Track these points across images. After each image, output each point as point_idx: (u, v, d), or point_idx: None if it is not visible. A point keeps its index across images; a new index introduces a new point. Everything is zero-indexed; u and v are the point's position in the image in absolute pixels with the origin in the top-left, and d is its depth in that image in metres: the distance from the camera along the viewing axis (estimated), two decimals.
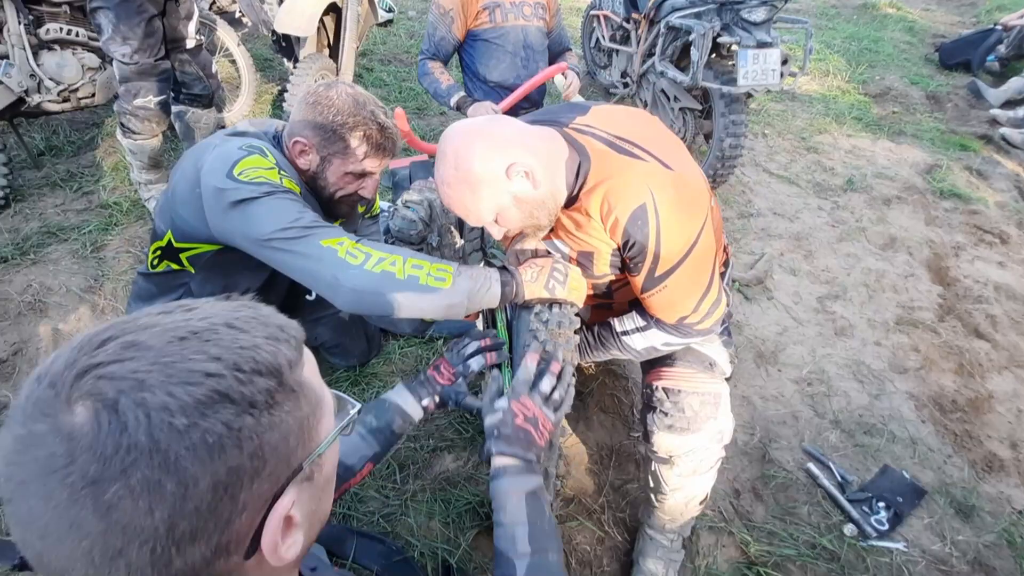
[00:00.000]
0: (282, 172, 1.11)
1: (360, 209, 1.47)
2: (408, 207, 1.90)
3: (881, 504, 1.52)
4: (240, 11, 2.80)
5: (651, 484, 1.31)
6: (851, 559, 1.43)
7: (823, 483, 1.58)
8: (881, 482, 1.59)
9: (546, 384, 0.92)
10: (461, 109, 2.26)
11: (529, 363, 0.95)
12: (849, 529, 1.48)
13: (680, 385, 1.16)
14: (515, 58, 2.31)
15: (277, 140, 1.26)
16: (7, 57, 2.42)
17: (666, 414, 1.17)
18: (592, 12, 3.44)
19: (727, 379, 1.22)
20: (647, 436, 1.25)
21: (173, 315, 0.39)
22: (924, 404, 1.88)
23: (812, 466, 1.62)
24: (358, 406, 0.48)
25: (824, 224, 2.71)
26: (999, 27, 4.74)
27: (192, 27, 2.29)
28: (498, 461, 0.81)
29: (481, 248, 2.13)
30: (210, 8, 3.56)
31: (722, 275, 1.24)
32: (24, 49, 2.43)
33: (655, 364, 1.23)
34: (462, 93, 2.26)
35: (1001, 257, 2.61)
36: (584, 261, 1.15)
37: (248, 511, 0.37)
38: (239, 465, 0.36)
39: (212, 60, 2.46)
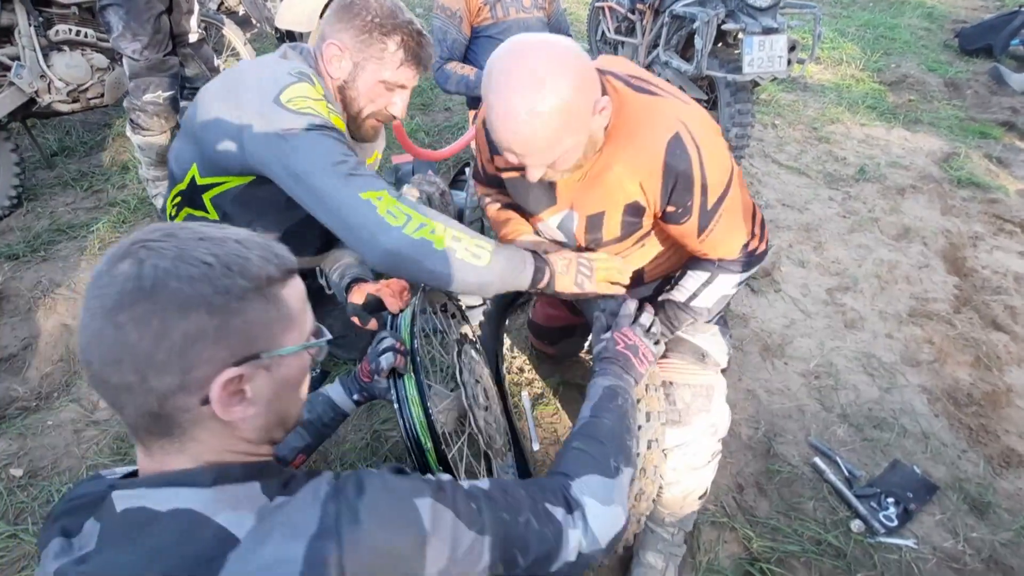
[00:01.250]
0: (330, 106, 1.05)
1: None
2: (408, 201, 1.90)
3: (890, 500, 1.47)
4: (244, 10, 2.83)
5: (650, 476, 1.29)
6: (858, 556, 1.39)
7: (829, 478, 1.54)
8: (890, 477, 1.54)
9: (645, 318, 1.05)
10: None
11: (629, 303, 1.05)
12: (856, 525, 1.44)
13: (671, 377, 1.13)
14: None
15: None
16: (18, 58, 2.47)
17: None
18: (597, 4, 3.40)
19: (723, 370, 1.19)
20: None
21: (209, 227, 0.54)
22: (937, 398, 1.82)
23: (818, 460, 1.58)
24: (328, 337, 0.61)
25: (835, 215, 2.64)
26: None
27: (194, 21, 2.32)
28: (598, 379, 0.92)
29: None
30: (218, 9, 3.60)
31: (762, 219, 1.21)
32: (35, 50, 2.48)
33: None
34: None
35: (1022, 247, 2.52)
36: (592, 225, 1.10)
37: (207, 365, 0.50)
38: (204, 327, 0.49)
39: (214, 54, 2.48)
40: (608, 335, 1.00)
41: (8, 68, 2.45)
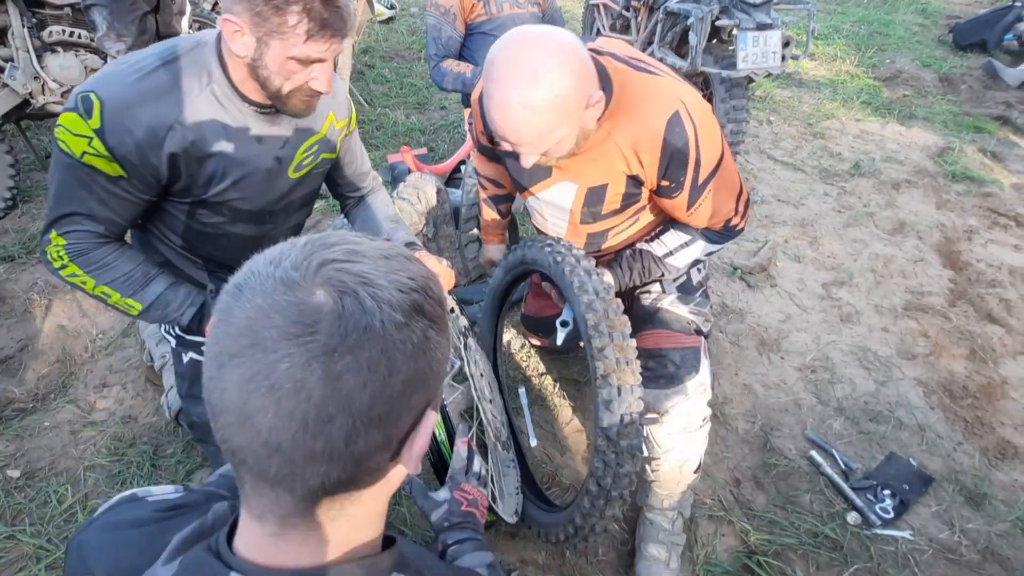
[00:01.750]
0: (97, 142, 0.92)
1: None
2: (404, 199, 1.90)
3: (886, 492, 1.48)
4: None
5: (645, 454, 1.29)
6: (854, 548, 1.39)
7: (826, 471, 1.54)
8: (886, 469, 1.55)
9: (477, 464, 0.95)
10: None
11: (461, 449, 0.95)
12: (852, 517, 1.44)
13: (661, 344, 1.21)
14: None
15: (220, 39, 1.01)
16: (11, 60, 2.46)
17: (651, 370, 1.20)
18: (592, 1, 3.40)
19: (705, 336, 1.24)
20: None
21: (364, 240, 0.43)
22: (933, 390, 1.83)
23: (815, 454, 1.58)
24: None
25: (830, 210, 2.65)
26: (1019, 4, 4.61)
27: (185, 23, 2.31)
28: (454, 550, 0.80)
29: (478, 239, 2.12)
30: (212, 9, 3.60)
31: (748, 199, 1.26)
32: (28, 52, 2.47)
33: (637, 331, 1.23)
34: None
35: (1017, 240, 2.53)
36: (592, 197, 1.13)
37: (409, 415, 0.41)
38: (421, 370, 0.40)
39: None
40: (446, 495, 0.87)
41: (1, 70, 2.45)
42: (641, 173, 1.07)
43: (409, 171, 2.67)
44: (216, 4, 3.63)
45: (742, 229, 1.18)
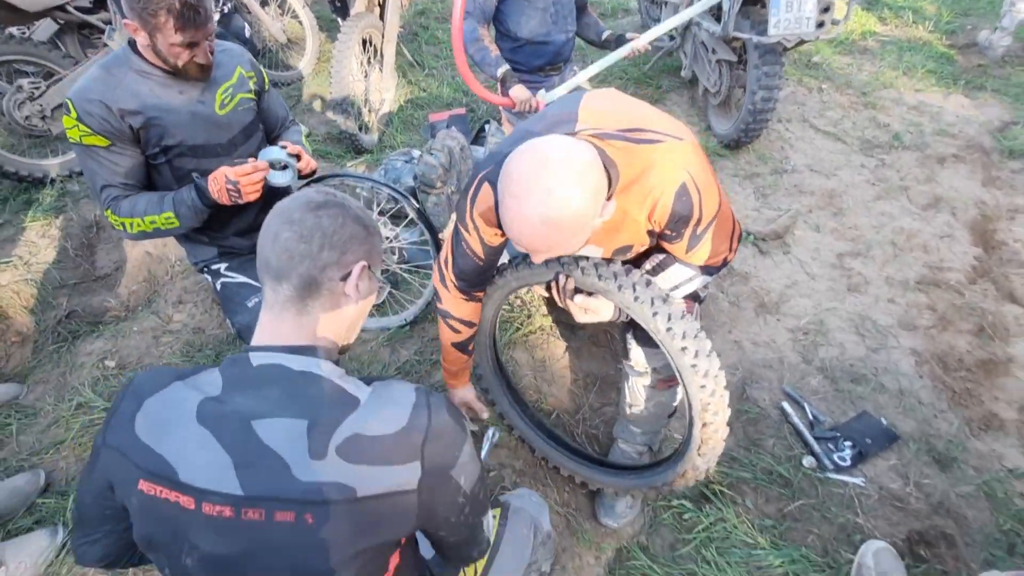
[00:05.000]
0: (81, 126, 1.37)
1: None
2: (432, 154, 2.10)
3: (848, 443, 1.58)
4: None
5: (627, 399, 1.47)
6: (804, 487, 1.52)
7: (793, 420, 1.66)
8: (855, 425, 1.64)
9: None
10: (504, 82, 2.37)
11: None
12: (808, 461, 1.56)
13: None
14: (545, 13, 2.38)
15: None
16: (111, 23, 2.83)
17: (641, 331, 1.29)
18: None
19: (699, 302, 1.35)
20: (626, 353, 1.41)
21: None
22: (926, 361, 1.87)
23: (786, 405, 1.70)
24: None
25: (863, 182, 2.61)
26: None
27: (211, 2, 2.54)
28: None
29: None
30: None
31: (740, 234, 1.30)
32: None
33: None
34: (508, 67, 2.33)
35: None
36: (620, 255, 1.23)
37: (352, 256, 0.77)
38: (360, 235, 0.78)
39: (245, 25, 2.71)
40: None
41: (103, 32, 2.82)
42: (654, 230, 1.14)
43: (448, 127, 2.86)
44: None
45: (731, 260, 1.27)
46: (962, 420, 1.73)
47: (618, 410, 1.64)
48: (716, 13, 2.59)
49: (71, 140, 1.42)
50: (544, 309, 2.03)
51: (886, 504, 1.49)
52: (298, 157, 1.57)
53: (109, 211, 1.48)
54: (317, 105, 3.34)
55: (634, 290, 1.08)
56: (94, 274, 2.28)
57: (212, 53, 1.48)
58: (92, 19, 2.81)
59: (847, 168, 2.70)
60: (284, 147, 1.55)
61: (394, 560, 0.75)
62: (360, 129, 2.83)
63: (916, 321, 1.99)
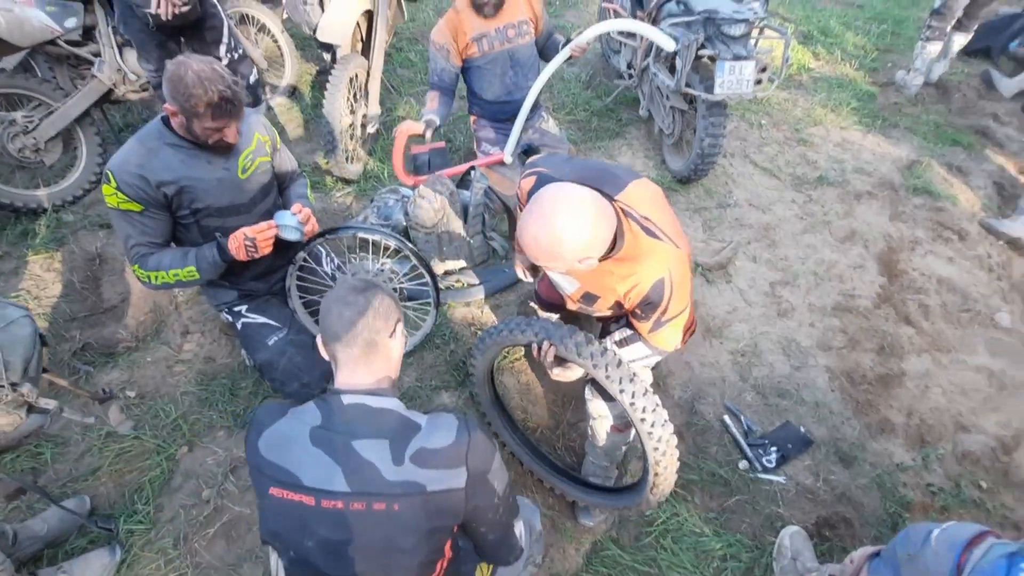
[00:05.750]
0: (120, 194, 1.58)
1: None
2: (423, 198, 2.36)
3: (773, 448, 1.97)
4: (285, 11, 3.19)
5: (590, 433, 1.80)
6: (739, 485, 1.90)
7: (732, 430, 2.03)
8: (779, 432, 2.03)
9: None
10: (427, 128, 2.64)
11: None
12: (743, 465, 1.94)
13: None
14: (504, 78, 2.66)
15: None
16: (99, 55, 2.92)
17: (597, 387, 1.66)
18: (604, 5, 3.70)
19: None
20: (585, 403, 1.74)
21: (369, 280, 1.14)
22: (837, 376, 2.28)
23: (726, 417, 2.07)
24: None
25: (793, 216, 3.03)
26: None
27: (223, 49, 2.66)
28: None
29: (482, 232, 2.58)
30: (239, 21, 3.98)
31: (692, 334, 1.63)
32: (112, 48, 2.92)
33: (605, 332, 1.69)
34: (430, 117, 2.60)
35: (953, 253, 2.90)
36: (586, 299, 1.53)
37: (392, 318, 1.10)
38: (393, 304, 1.10)
39: (253, 69, 2.87)
40: None
41: (92, 64, 2.91)
42: (623, 302, 1.45)
43: (429, 164, 3.11)
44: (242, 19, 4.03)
45: (682, 348, 1.60)
46: (863, 425, 2.15)
47: (587, 443, 1.97)
48: (670, 66, 2.93)
49: (109, 205, 1.63)
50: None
51: (801, 496, 1.89)
52: (305, 220, 1.80)
53: (136, 266, 1.70)
54: (300, 133, 3.51)
55: (606, 370, 1.38)
56: (102, 306, 2.42)
57: (240, 132, 1.70)
58: (81, 52, 2.89)
59: (780, 203, 3.12)
60: (295, 214, 1.77)
61: (448, 546, 1.06)
62: (347, 160, 3.04)
63: (831, 342, 2.41)
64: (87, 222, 2.77)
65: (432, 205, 2.34)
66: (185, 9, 2.36)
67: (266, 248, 1.73)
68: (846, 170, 3.35)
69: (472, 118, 2.95)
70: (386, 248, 2.35)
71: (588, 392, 1.72)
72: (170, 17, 2.34)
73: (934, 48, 3.98)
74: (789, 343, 2.39)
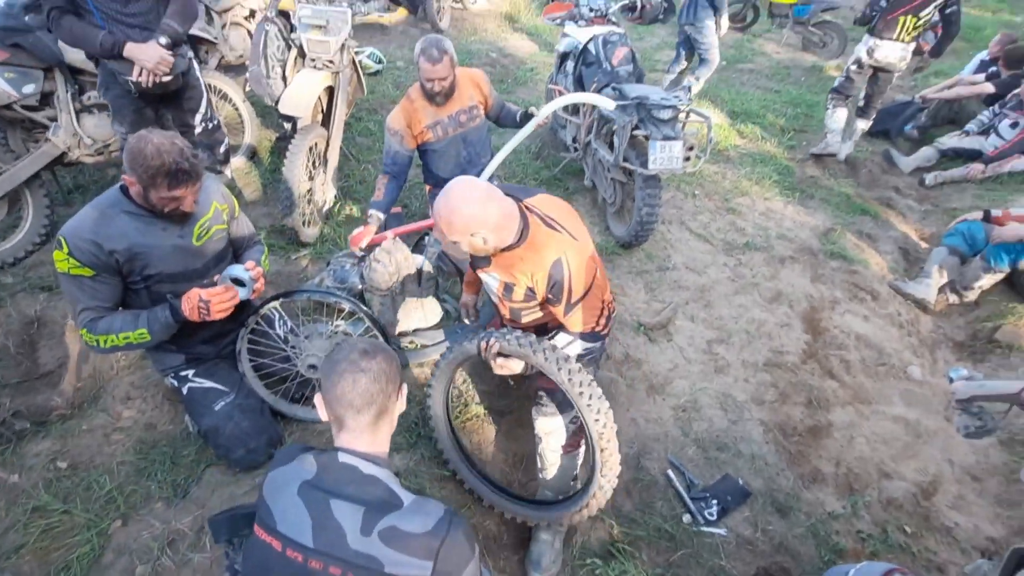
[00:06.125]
0: (71, 259, 1.61)
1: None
2: (379, 262, 2.45)
3: (714, 501, 2.06)
4: (248, 84, 3.34)
5: (538, 464, 1.91)
6: (684, 539, 1.96)
7: (675, 485, 2.11)
8: (719, 485, 2.13)
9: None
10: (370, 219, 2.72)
11: None
12: (686, 518, 2.01)
13: (551, 385, 1.78)
14: (458, 158, 2.85)
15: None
16: (55, 120, 2.94)
17: (542, 404, 1.81)
18: (551, 86, 4.05)
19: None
20: (533, 424, 1.87)
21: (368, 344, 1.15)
22: (771, 429, 2.43)
23: (670, 472, 2.16)
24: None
25: (726, 279, 3.28)
26: (918, 99, 5.43)
27: (198, 118, 2.78)
28: None
29: (435, 293, 2.68)
30: (217, 66, 4.14)
31: (608, 316, 1.84)
32: (70, 113, 2.96)
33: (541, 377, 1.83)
34: (374, 212, 2.67)
35: (868, 312, 3.19)
36: (506, 290, 1.77)
37: (398, 380, 1.14)
38: (396, 365, 1.13)
39: (224, 140, 2.97)
40: None
41: (47, 128, 2.93)
42: (534, 288, 1.69)
43: (384, 228, 3.21)
44: (221, 59, 4.18)
45: (606, 334, 1.80)
46: (796, 476, 2.28)
47: (539, 481, 2.02)
48: (609, 143, 3.21)
49: (59, 270, 1.65)
50: (479, 398, 2.39)
51: (742, 548, 1.97)
52: (256, 278, 1.84)
53: (85, 330, 1.70)
54: (258, 196, 3.57)
55: (544, 354, 1.56)
56: (37, 372, 2.33)
57: (196, 201, 1.76)
58: (37, 116, 2.91)
59: (714, 266, 3.37)
60: (248, 268, 1.82)
61: None
62: (303, 224, 3.11)
63: (763, 396, 2.58)
64: (27, 284, 2.69)
65: (387, 268, 2.43)
66: (167, 79, 2.45)
67: (219, 314, 1.75)
68: (770, 236, 3.67)
69: (427, 187, 3.10)
70: (340, 310, 2.40)
71: (534, 412, 1.85)
72: (151, 86, 2.41)
73: (840, 114, 4.64)
74: (726, 398, 2.54)
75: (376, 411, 1.06)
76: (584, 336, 1.75)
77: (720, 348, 2.81)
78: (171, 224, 1.76)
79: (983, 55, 5.80)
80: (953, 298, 3.25)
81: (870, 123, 4.76)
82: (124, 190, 1.72)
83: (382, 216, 2.69)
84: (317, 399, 1.11)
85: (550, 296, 1.69)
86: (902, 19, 3.99)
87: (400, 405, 1.13)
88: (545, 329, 1.90)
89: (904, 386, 2.79)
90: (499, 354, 1.68)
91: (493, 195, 1.56)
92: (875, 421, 2.58)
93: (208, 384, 1.96)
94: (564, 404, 1.80)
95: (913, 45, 4.13)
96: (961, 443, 2.48)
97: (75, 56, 2.84)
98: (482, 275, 1.85)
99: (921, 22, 3.99)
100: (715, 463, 2.25)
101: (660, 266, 3.31)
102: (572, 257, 1.64)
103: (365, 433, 1.07)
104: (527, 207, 1.68)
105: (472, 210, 1.52)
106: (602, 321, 1.76)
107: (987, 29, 9.03)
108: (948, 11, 4.01)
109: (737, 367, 2.71)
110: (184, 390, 1.96)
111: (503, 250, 1.64)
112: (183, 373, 1.96)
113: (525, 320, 1.87)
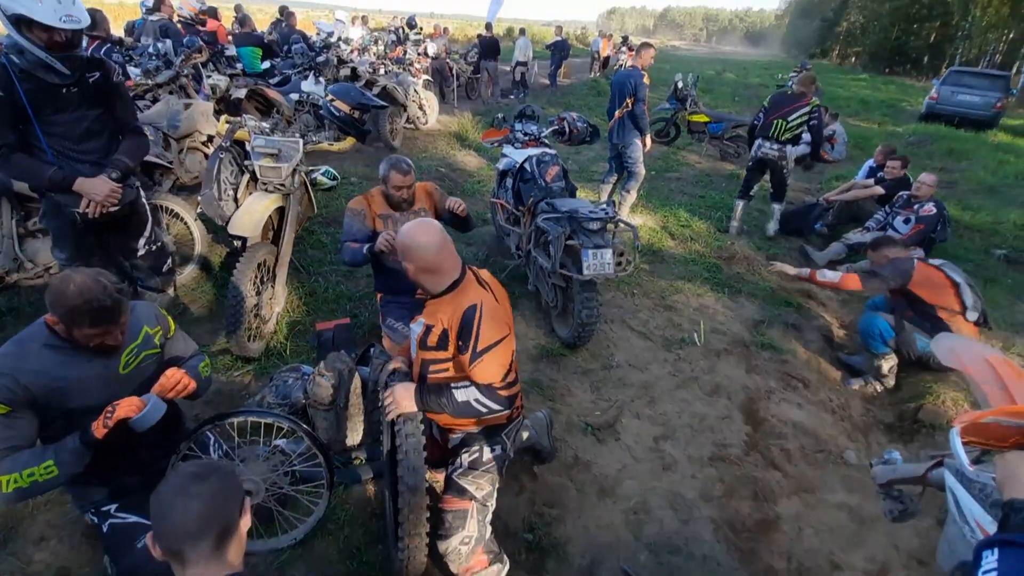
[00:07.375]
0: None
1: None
2: (322, 376, 2.45)
3: None
4: (200, 207, 3.46)
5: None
6: None
7: None
8: None
9: None
10: (373, 250, 2.81)
11: None
12: None
13: (444, 506, 1.85)
14: None
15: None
16: None
17: (438, 524, 1.85)
18: (492, 200, 4.36)
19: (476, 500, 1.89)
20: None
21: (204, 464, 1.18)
22: (720, 527, 2.44)
23: None
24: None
25: (667, 374, 3.41)
26: (823, 201, 6.10)
27: (142, 242, 2.85)
28: None
29: (380, 408, 2.66)
30: (171, 188, 4.28)
31: (515, 392, 1.91)
32: (12, 238, 2.97)
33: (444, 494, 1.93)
34: (369, 244, 2.80)
35: (801, 399, 3.35)
36: (425, 334, 1.92)
37: (241, 496, 1.11)
38: (237, 481, 1.12)
39: (168, 259, 3.03)
40: None
41: None
42: (449, 331, 1.85)
43: (333, 340, 3.23)
44: (176, 181, 4.33)
45: (504, 398, 1.82)
46: (749, 575, 2.26)
47: None
48: (548, 251, 3.44)
49: None
50: None
51: None
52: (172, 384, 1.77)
53: None
54: (205, 312, 3.56)
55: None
56: None
57: (123, 334, 1.75)
58: None
59: (655, 363, 3.52)
60: (165, 374, 1.75)
61: None
62: (248, 339, 3.10)
63: (711, 492, 2.61)
64: None
65: (330, 382, 2.43)
66: (114, 209, 2.52)
67: (124, 407, 1.65)
68: (706, 331, 3.89)
69: (378, 295, 3.19)
70: (279, 429, 2.35)
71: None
72: (98, 215, 2.47)
73: (739, 205, 5.78)
74: (675, 496, 2.55)
75: (219, 532, 1.01)
76: (482, 389, 1.80)
77: (666, 444, 2.86)
78: (96, 356, 1.73)
79: (871, 162, 6.68)
80: (876, 386, 3.48)
81: (782, 206, 5.79)
82: (48, 325, 1.71)
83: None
84: (148, 538, 1.03)
85: (460, 343, 1.81)
86: (776, 122, 5.32)
87: (246, 521, 1.07)
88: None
89: (843, 471, 2.88)
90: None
91: (447, 245, 1.87)
92: (820, 510, 2.63)
93: (132, 519, 1.84)
94: (456, 522, 1.86)
95: (789, 146, 5.38)
96: (903, 527, 2.54)
97: (23, 185, 2.90)
98: (412, 325, 2.03)
99: (790, 125, 5.26)
100: (668, 568, 2.22)
101: (604, 364, 3.43)
102: (488, 307, 1.82)
103: (212, 563, 1.00)
104: (472, 268, 1.96)
105: (431, 245, 1.83)
106: (506, 383, 1.82)
107: (874, 139, 10.44)
108: (812, 122, 5.30)
109: (684, 463, 2.76)
110: (104, 527, 1.82)
111: (433, 297, 1.90)
112: (104, 508, 1.84)
113: (432, 378, 1.96)
